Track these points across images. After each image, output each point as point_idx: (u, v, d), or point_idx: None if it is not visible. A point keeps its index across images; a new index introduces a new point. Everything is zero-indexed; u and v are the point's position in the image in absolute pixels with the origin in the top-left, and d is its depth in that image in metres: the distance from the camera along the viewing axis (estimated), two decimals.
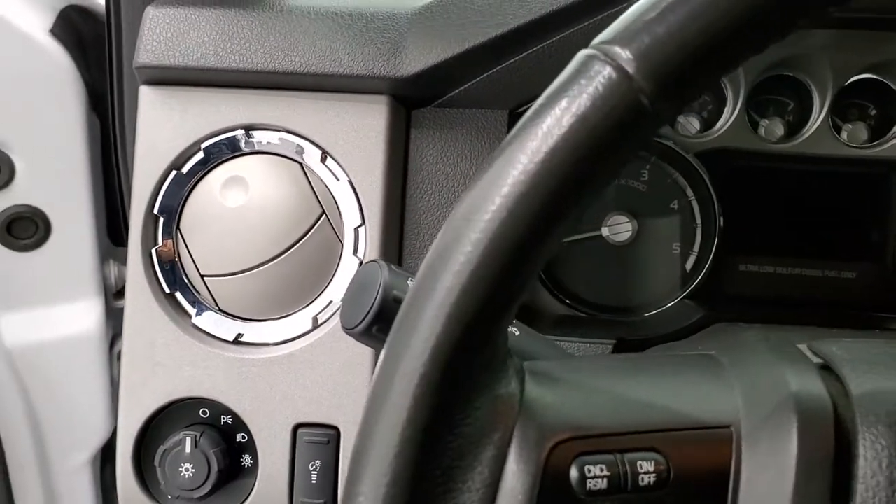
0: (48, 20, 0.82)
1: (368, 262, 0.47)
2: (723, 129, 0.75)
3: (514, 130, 0.33)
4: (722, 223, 0.75)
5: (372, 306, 0.43)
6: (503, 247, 0.31)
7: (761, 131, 0.75)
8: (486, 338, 0.32)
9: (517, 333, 0.46)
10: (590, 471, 0.33)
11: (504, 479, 0.32)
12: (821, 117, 0.73)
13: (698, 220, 0.76)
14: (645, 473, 0.33)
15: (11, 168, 0.83)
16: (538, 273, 0.33)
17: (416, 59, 0.62)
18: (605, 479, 0.33)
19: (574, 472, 0.33)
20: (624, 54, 0.31)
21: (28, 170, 0.83)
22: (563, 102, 0.31)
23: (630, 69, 0.31)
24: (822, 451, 0.33)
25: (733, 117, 0.74)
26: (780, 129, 0.75)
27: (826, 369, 0.38)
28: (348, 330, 0.46)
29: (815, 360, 0.39)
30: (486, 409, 0.33)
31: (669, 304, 0.76)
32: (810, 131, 0.74)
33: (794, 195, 0.76)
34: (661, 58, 0.31)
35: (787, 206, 0.76)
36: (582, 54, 0.32)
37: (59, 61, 0.81)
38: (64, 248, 0.85)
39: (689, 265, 0.76)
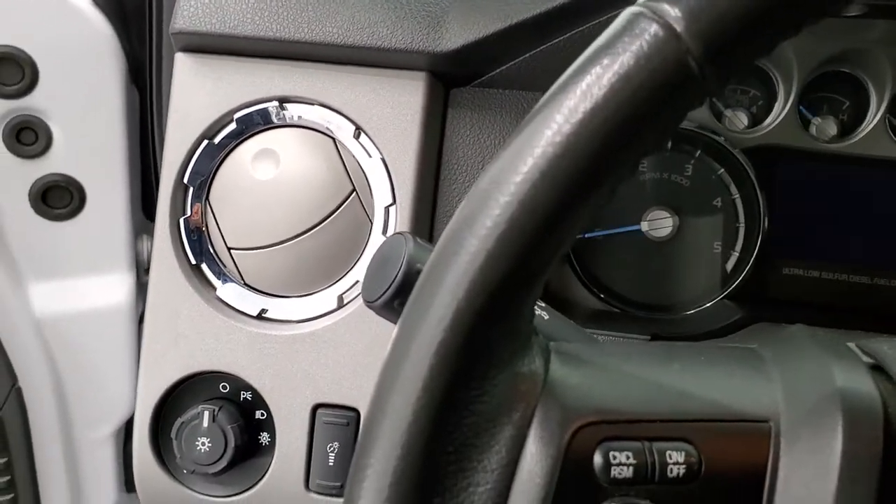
0: None
1: (394, 234, 0.45)
2: (772, 126, 0.72)
3: (551, 89, 0.31)
4: (766, 224, 0.72)
5: (395, 279, 0.42)
6: (534, 211, 0.29)
7: (812, 130, 0.72)
8: (510, 309, 0.30)
9: (546, 317, 0.44)
10: (615, 457, 0.30)
11: (522, 461, 0.30)
12: (877, 117, 0.70)
13: (742, 219, 0.73)
14: (674, 464, 0.31)
15: (49, 136, 0.83)
16: (569, 245, 0.31)
17: (456, 35, 0.61)
18: (630, 468, 0.30)
19: (598, 458, 0.31)
20: (672, 12, 0.29)
21: (65, 139, 0.82)
22: (605, 60, 0.29)
23: (678, 28, 0.29)
24: (869, 451, 0.30)
25: (784, 113, 0.71)
26: (832, 129, 0.72)
27: (876, 369, 0.35)
28: (369, 303, 0.44)
29: (865, 358, 0.36)
30: (506, 385, 0.31)
31: (707, 305, 0.73)
32: (865, 131, 0.71)
33: (845, 198, 0.73)
34: (713, 17, 0.29)
35: (836, 208, 0.73)
36: (628, 11, 0.30)
37: (100, 31, 0.81)
38: (97, 219, 0.85)
39: (729, 265, 0.73)
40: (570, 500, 0.30)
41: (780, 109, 0.72)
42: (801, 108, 0.72)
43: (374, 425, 0.30)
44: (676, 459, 0.31)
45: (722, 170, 0.72)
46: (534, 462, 0.30)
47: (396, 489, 0.29)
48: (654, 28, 0.29)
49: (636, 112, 0.29)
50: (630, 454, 0.31)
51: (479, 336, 0.30)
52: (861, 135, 0.71)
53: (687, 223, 0.73)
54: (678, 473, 0.31)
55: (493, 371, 0.30)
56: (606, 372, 0.33)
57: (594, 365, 0.34)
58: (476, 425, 0.30)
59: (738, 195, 0.73)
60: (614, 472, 0.30)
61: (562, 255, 0.31)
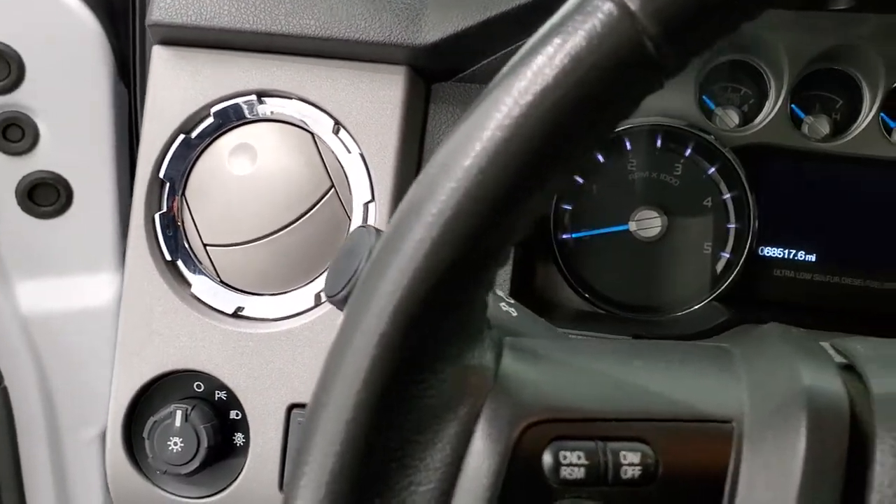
0: None
1: (358, 227, 0.44)
2: (763, 124, 0.70)
3: (502, 70, 0.29)
4: (756, 224, 0.71)
5: (355, 273, 0.40)
6: (481, 197, 0.28)
7: (805, 128, 0.70)
8: (458, 298, 0.29)
9: (515, 314, 0.42)
10: (565, 457, 0.29)
11: (468, 460, 0.29)
12: (870, 116, 0.69)
13: (732, 220, 0.71)
14: (629, 465, 0.29)
15: (36, 133, 0.82)
16: (521, 233, 0.30)
17: (434, 28, 0.59)
18: (582, 468, 0.29)
19: (547, 458, 0.29)
20: None
21: (52, 136, 0.81)
22: (557, 40, 0.28)
23: (633, 6, 0.27)
24: (833, 453, 0.29)
25: (774, 112, 0.70)
26: (825, 127, 0.70)
27: (848, 368, 0.34)
28: (330, 298, 0.42)
29: (838, 358, 0.35)
30: (453, 379, 0.29)
31: (696, 306, 0.71)
32: (858, 130, 0.69)
33: (837, 198, 0.71)
34: None
35: (828, 209, 0.71)
36: None
37: (88, 27, 0.80)
38: (85, 217, 0.84)
39: (719, 267, 0.72)
40: (517, 500, 0.29)
41: (771, 108, 0.70)
42: (793, 106, 0.71)
43: (313, 420, 0.29)
44: (632, 460, 0.29)
45: (712, 169, 0.71)
46: (480, 460, 0.29)
47: (333, 487, 0.27)
48: (607, 6, 0.28)
49: (589, 94, 0.28)
50: (582, 454, 0.29)
51: (424, 327, 0.28)
52: (853, 134, 0.69)
53: (676, 223, 0.72)
54: (633, 475, 0.29)
55: (439, 364, 0.29)
56: (562, 368, 0.32)
57: (549, 360, 0.32)
58: (419, 421, 0.29)
59: (728, 195, 0.71)
60: (564, 472, 0.29)
61: (514, 243, 0.30)
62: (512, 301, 0.44)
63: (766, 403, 0.31)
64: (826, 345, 0.36)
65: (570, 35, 0.28)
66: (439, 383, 0.29)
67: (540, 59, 0.28)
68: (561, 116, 0.28)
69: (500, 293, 0.43)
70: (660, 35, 0.27)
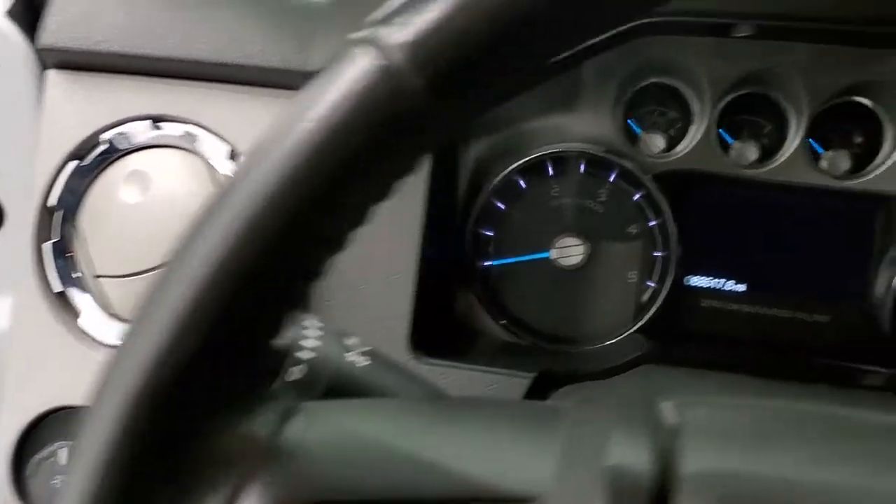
0: (5, 1, 0.79)
1: None
2: (688, 149, 0.68)
3: (267, 132, 0.27)
4: (681, 252, 0.68)
5: None
6: (232, 270, 0.25)
7: (732, 154, 0.68)
8: (221, 367, 0.27)
9: (362, 364, 0.40)
10: None
11: None
12: (796, 142, 0.66)
13: (658, 248, 0.69)
14: None
15: None
16: (301, 295, 0.28)
17: (327, 53, 0.57)
18: None
19: None
20: (391, 39, 0.25)
21: None
22: (323, 95, 0.26)
23: (397, 58, 0.25)
24: None
25: (699, 136, 0.67)
26: (752, 153, 0.67)
27: (679, 435, 0.31)
28: None
29: (673, 420, 0.32)
30: (217, 453, 0.27)
31: (619, 338, 0.69)
32: (784, 157, 0.66)
33: (765, 227, 0.68)
34: (437, 48, 0.25)
35: (756, 237, 0.69)
36: (348, 38, 0.27)
37: (15, 44, 0.78)
38: (17, 237, 0.82)
39: (644, 297, 0.69)
40: None
41: (696, 132, 0.68)
42: (721, 131, 0.68)
43: (59, 494, 0.26)
44: None
45: (638, 195, 0.69)
46: None
47: None
48: (370, 60, 0.25)
49: (349, 156, 0.25)
50: None
51: (180, 400, 0.26)
52: (780, 160, 0.66)
53: (600, 251, 0.69)
54: None
55: (195, 444, 0.26)
56: (352, 440, 0.29)
57: (343, 429, 0.30)
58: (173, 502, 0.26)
59: (654, 222, 0.69)
60: None
61: (293, 307, 0.28)
62: (367, 348, 0.41)
63: (570, 482, 0.28)
64: (669, 405, 0.33)
65: (332, 92, 0.25)
66: (193, 465, 0.26)
67: (309, 116, 0.26)
68: (314, 184, 0.25)
69: (351, 340, 0.41)
70: (425, 89, 0.25)
